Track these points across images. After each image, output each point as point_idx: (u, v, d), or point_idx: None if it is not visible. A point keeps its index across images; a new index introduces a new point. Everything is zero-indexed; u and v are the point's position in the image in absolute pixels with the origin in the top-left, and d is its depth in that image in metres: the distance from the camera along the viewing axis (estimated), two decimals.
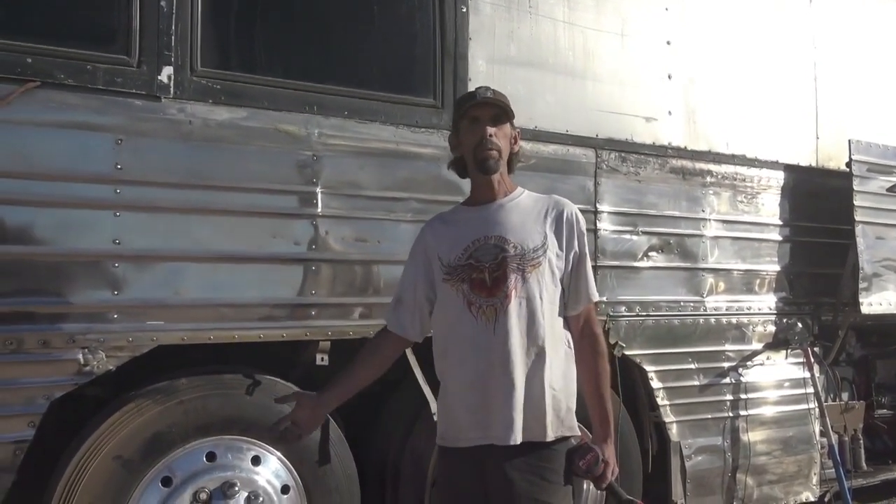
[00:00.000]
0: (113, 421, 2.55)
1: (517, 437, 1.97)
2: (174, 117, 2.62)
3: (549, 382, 2.03)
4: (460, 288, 2.05)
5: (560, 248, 2.09)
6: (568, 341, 2.13)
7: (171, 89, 2.62)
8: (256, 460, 2.73)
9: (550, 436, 2.02)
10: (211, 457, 2.66)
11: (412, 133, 3.06)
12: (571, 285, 2.12)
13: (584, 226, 2.15)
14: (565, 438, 2.07)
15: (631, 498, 2.07)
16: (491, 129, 2.07)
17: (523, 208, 2.13)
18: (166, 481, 2.59)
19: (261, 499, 2.68)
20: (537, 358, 2.02)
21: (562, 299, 2.11)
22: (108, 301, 2.50)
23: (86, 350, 2.46)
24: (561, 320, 2.11)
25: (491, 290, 2.02)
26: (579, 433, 2.13)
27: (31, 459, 2.41)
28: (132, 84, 2.56)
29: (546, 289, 2.05)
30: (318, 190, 2.85)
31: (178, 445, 2.60)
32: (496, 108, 2.08)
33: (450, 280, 2.07)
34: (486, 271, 2.03)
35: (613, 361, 3.48)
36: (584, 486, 3.34)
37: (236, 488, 2.65)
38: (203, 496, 2.62)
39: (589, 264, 2.14)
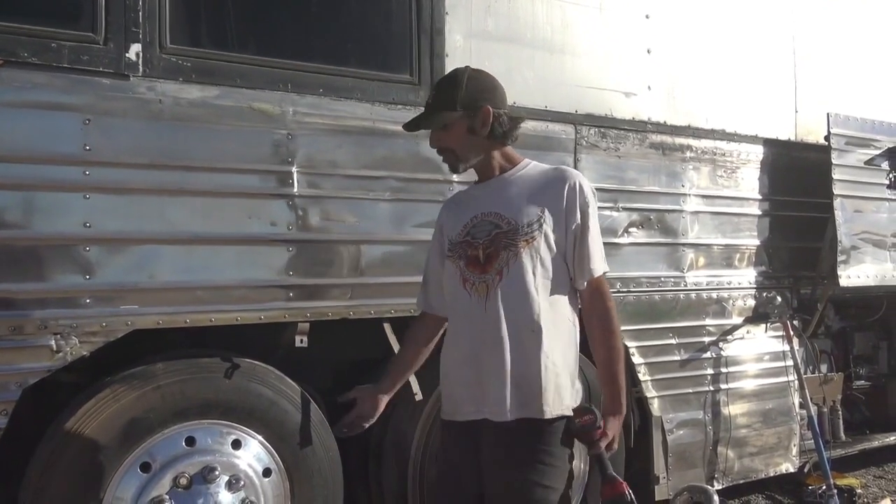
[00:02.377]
0: (89, 407, 2.50)
1: (509, 414, 1.97)
2: (144, 96, 2.56)
3: (546, 359, 1.99)
4: (458, 265, 2.08)
5: (559, 221, 2.02)
6: (574, 317, 2.10)
7: (140, 67, 2.55)
8: (237, 444, 2.70)
9: (548, 414, 1.99)
10: (190, 441, 2.63)
11: (389, 110, 3.01)
12: (575, 259, 2.04)
13: (589, 197, 2.06)
14: (566, 417, 2.03)
15: (615, 475, 2.03)
16: (435, 136, 2.11)
17: (523, 182, 2.09)
18: (145, 467, 2.55)
19: (242, 482, 2.65)
20: (532, 335, 1.99)
21: (567, 273, 2.07)
22: (81, 285, 2.44)
23: (58, 336, 2.41)
24: (564, 296, 2.07)
25: (484, 267, 2.02)
26: (572, 410, 2.07)
27: (5, 448, 2.36)
28: (99, 62, 2.49)
29: (542, 264, 2.01)
30: (294, 169, 2.80)
31: (156, 430, 2.56)
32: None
33: (451, 257, 2.11)
34: (481, 248, 2.04)
35: None
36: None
37: (217, 472, 2.62)
38: (183, 481, 2.58)
39: (595, 236, 2.05)
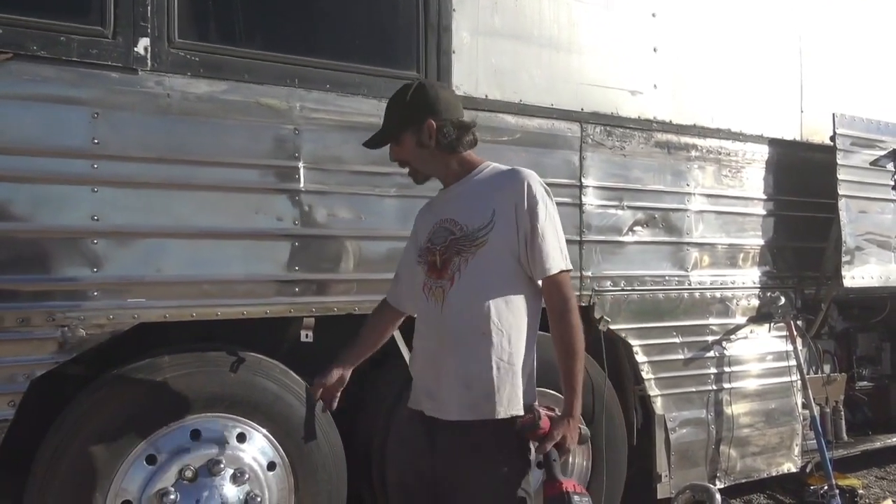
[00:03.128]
0: (95, 399, 2.52)
1: (459, 414, 2.00)
2: (152, 90, 2.57)
3: (498, 361, 2.00)
4: (422, 269, 2.13)
5: (510, 222, 2.02)
6: (533, 319, 2.09)
7: (148, 61, 2.56)
8: (242, 437, 2.71)
9: (501, 414, 1.99)
10: (196, 434, 2.64)
11: None
12: (529, 259, 2.04)
13: (539, 195, 2.04)
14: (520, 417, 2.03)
15: (556, 475, 2.00)
16: (392, 151, 2.18)
17: (476, 187, 2.11)
18: (151, 459, 2.57)
19: (247, 476, 2.66)
20: (483, 337, 2.00)
21: (525, 273, 2.06)
22: (88, 278, 2.46)
23: (66, 328, 2.43)
24: (523, 296, 2.06)
25: (440, 273, 2.07)
26: (521, 412, 2.04)
27: (13, 438, 2.38)
28: (108, 56, 2.50)
29: (495, 267, 2.02)
30: (301, 165, 2.81)
31: (161, 423, 2.58)
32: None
33: (419, 262, 2.17)
34: (438, 253, 2.08)
35: (598, 336, 3.50)
36: (571, 459, 3.35)
37: (222, 465, 2.63)
38: (188, 474, 2.60)
39: (547, 234, 2.02)
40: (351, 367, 2.37)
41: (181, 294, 2.61)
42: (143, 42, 2.55)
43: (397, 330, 2.91)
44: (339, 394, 2.34)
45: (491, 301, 2.01)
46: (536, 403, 2.07)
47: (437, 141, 2.09)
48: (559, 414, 2.05)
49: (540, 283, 2.07)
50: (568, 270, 2.07)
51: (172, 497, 2.55)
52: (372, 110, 2.95)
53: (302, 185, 2.81)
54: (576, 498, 1.99)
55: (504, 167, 2.15)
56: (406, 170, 2.20)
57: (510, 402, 2.01)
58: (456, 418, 2.00)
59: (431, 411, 2.07)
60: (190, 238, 2.62)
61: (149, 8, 2.55)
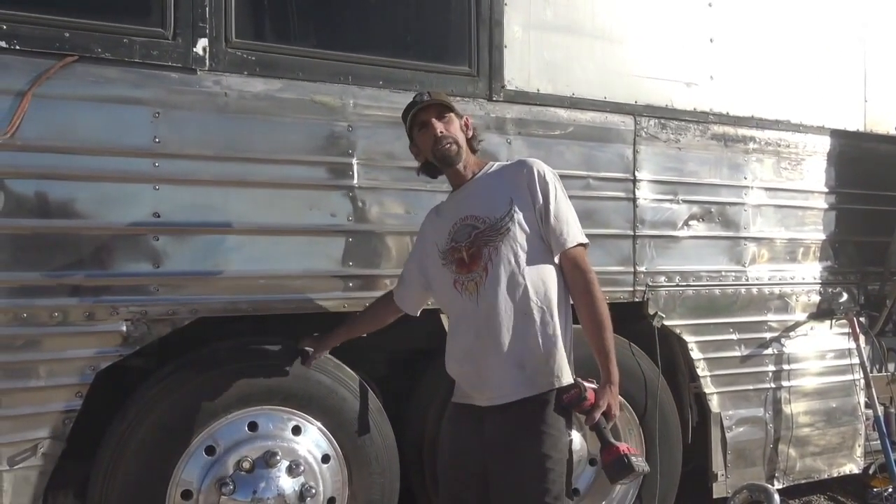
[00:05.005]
0: (157, 391, 2.60)
1: (516, 394, 2.14)
2: (210, 90, 2.62)
3: (544, 336, 2.15)
4: (450, 269, 2.26)
5: (527, 204, 2.20)
6: (565, 290, 2.23)
7: (207, 61, 2.62)
8: (297, 430, 2.76)
9: (556, 384, 2.15)
10: (253, 426, 2.70)
11: None
12: (549, 236, 2.20)
13: (549, 176, 2.23)
14: (561, 388, 2.16)
15: (611, 441, 2.14)
16: (439, 126, 2.28)
17: (489, 181, 2.29)
18: (210, 450, 2.63)
19: (302, 468, 2.71)
20: (524, 317, 2.15)
21: (549, 250, 2.22)
22: (150, 273, 2.53)
23: (129, 322, 2.50)
24: (554, 271, 2.21)
25: (470, 266, 2.20)
26: (572, 380, 2.20)
27: (79, 427, 2.46)
28: (168, 57, 2.56)
29: (522, 250, 2.17)
30: (354, 161, 2.84)
31: (220, 415, 2.64)
32: (437, 107, 2.30)
33: (444, 264, 2.29)
34: (464, 250, 2.22)
35: (652, 332, 3.45)
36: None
37: (278, 457, 2.68)
38: (246, 465, 2.66)
39: (561, 210, 2.21)
40: (333, 342, 2.68)
41: (238, 289, 2.66)
42: (202, 42, 2.60)
43: (444, 316, 2.95)
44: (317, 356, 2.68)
45: (527, 281, 2.16)
46: (577, 378, 2.20)
47: (470, 137, 2.35)
48: (599, 383, 2.17)
49: (557, 259, 2.21)
50: (586, 244, 2.24)
51: (230, 487, 2.61)
52: None
53: (355, 181, 2.84)
54: (633, 459, 2.13)
55: (508, 161, 2.40)
56: (438, 152, 2.31)
57: (562, 372, 2.17)
58: (512, 399, 2.14)
59: (482, 401, 2.21)
60: (247, 234, 2.67)
61: (207, 9, 2.60)
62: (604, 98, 3.34)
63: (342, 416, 2.81)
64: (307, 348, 2.70)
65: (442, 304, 2.43)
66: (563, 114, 3.25)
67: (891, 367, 4.38)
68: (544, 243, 2.20)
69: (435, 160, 2.33)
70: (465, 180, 2.34)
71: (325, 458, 2.79)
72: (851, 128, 4.09)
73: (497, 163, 2.39)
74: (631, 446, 2.22)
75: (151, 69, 2.54)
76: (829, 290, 4.00)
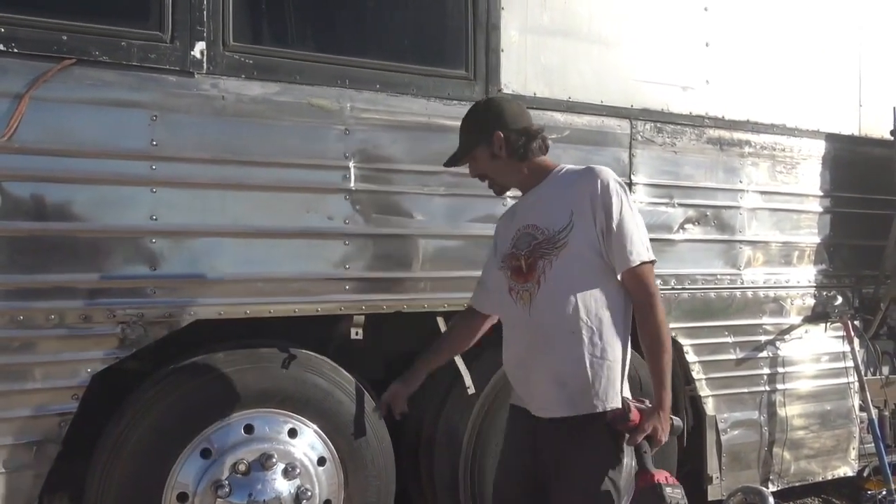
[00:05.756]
0: (153, 394, 2.60)
1: (558, 411, 2.07)
2: (207, 93, 2.63)
3: (591, 357, 2.05)
4: (506, 274, 2.20)
5: (588, 220, 2.07)
6: (622, 311, 2.11)
7: (204, 65, 2.62)
8: (293, 433, 2.76)
9: (598, 407, 2.05)
10: (249, 429, 2.71)
11: (444, 106, 3.02)
12: (610, 254, 2.07)
13: (613, 190, 2.06)
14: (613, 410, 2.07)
15: (648, 467, 2.05)
16: (470, 168, 2.28)
17: (553, 191, 2.18)
18: (206, 453, 2.64)
19: (298, 470, 2.71)
20: (571, 336, 2.06)
21: (610, 268, 2.09)
22: (147, 276, 2.53)
23: (125, 324, 2.50)
24: (610, 291, 2.09)
25: (526, 276, 2.13)
26: (631, 402, 2.09)
27: (74, 430, 2.47)
28: (166, 60, 2.56)
29: (578, 267, 2.07)
30: (351, 164, 2.85)
31: (216, 418, 2.65)
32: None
33: (501, 268, 2.24)
34: (522, 258, 2.15)
35: None
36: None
37: (274, 460, 2.69)
38: (242, 467, 2.66)
39: (623, 228, 2.04)
40: (421, 377, 2.46)
41: (235, 292, 2.67)
42: (200, 46, 2.60)
43: (441, 319, 2.94)
44: (402, 402, 2.44)
45: (578, 300, 2.06)
46: (628, 396, 2.11)
47: (508, 151, 2.18)
48: (650, 406, 2.08)
49: (620, 276, 2.08)
50: (651, 262, 2.09)
51: (226, 490, 2.61)
52: (421, 109, 2.98)
53: (352, 184, 2.84)
54: (668, 490, 2.04)
55: (577, 167, 2.20)
56: (486, 183, 2.29)
57: (607, 396, 2.06)
58: (555, 415, 2.08)
59: (532, 409, 2.16)
60: (244, 237, 2.68)
61: (204, 12, 2.61)
62: (600, 102, 3.35)
63: (338, 419, 2.82)
64: (393, 395, 2.44)
65: (497, 306, 2.34)
66: (559, 117, 3.26)
67: (885, 370, 4.40)
68: (604, 260, 2.08)
69: None
70: (529, 187, 2.25)
71: (322, 461, 2.80)
72: (846, 132, 4.11)
73: (567, 167, 2.22)
74: (670, 474, 2.10)
75: (149, 72, 2.54)
76: (824, 293, 4.02)
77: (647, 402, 2.11)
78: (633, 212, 2.09)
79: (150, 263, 2.53)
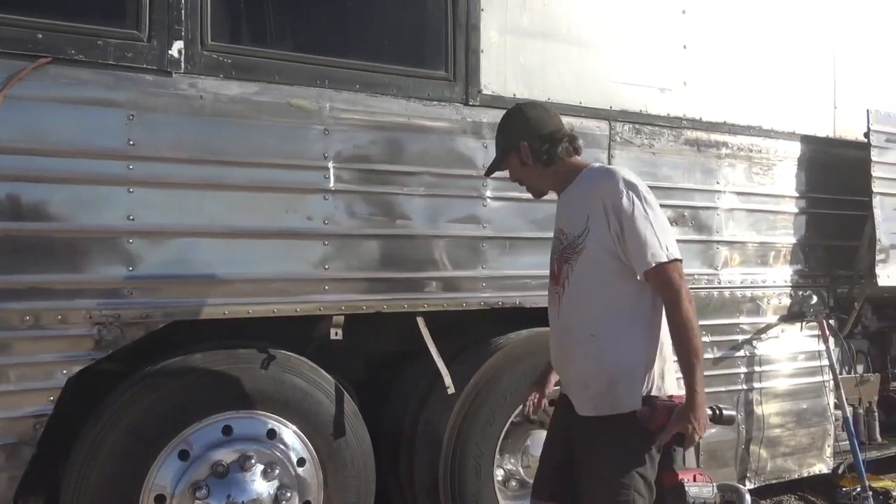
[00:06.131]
0: (130, 396, 2.58)
1: (585, 410, 2.16)
2: (185, 92, 2.61)
3: (609, 360, 2.09)
4: (549, 275, 2.31)
5: (601, 226, 2.08)
6: (653, 308, 2.11)
7: (182, 64, 2.61)
8: (272, 433, 2.75)
9: (619, 409, 2.08)
10: (227, 430, 2.69)
11: (424, 106, 3.03)
12: (628, 256, 2.07)
13: (624, 191, 2.06)
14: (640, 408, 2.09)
15: (675, 467, 2.09)
16: (510, 175, 2.35)
17: (574, 195, 2.23)
18: (184, 454, 2.62)
19: (277, 471, 2.71)
20: (591, 339, 2.12)
21: (629, 270, 2.08)
22: (124, 277, 2.51)
23: (102, 325, 2.48)
24: (631, 294, 2.09)
25: (556, 279, 2.23)
26: (659, 401, 2.09)
27: (50, 432, 2.44)
28: (143, 59, 2.55)
29: (596, 270, 2.10)
30: (331, 164, 2.84)
31: (194, 419, 2.63)
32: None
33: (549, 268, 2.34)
34: (555, 262, 2.26)
35: None
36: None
37: (253, 461, 2.68)
38: (220, 469, 2.65)
39: (636, 229, 2.03)
40: (550, 385, 2.53)
41: (214, 292, 2.65)
42: (177, 45, 2.59)
43: (421, 319, 2.96)
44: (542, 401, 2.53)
45: (596, 304, 2.12)
46: (659, 394, 2.10)
47: (535, 158, 2.24)
48: (681, 405, 2.04)
49: (640, 277, 2.06)
50: (673, 261, 2.05)
51: (204, 491, 2.60)
52: (401, 110, 2.98)
53: (332, 184, 2.84)
54: (692, 489, 2.05)
55: (600, 167, 2.25)
56: (524, 186, 2.37)
57: (628, 398, 2.07)
58: (584, 414, 2.16)
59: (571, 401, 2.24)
60: (222, 237, 2.66)
61: (182, 11, 2.59)
62: (579, 103, 3.38)
63: (318, 420, 2.82)
64: (531, 400, 2.51)
65: None
66: None
67: (859, 368, 4.47)
68: (622, 263, 2.08)
69: None
70: (563, 188, 2.28)
71: (301, 462, 2.79)
72: (821, 134, 4.16)
73: (589, 168, 2.23)
74: (700, 471, 2.12)
75: (126, 71, 2.52)
76: (800, 293, 4.07)
77: (677, 401, 2.08)
78: (648, 213, 2.06)
79: (127, 264, 2.52)
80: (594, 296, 2.12)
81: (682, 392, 2.05)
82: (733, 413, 2.22)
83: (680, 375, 2.07)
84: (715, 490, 2.10)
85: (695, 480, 2.07)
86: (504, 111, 3.06)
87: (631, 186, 2.08)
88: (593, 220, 2.10)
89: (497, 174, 2.43)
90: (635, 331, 2.10)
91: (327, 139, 2.84)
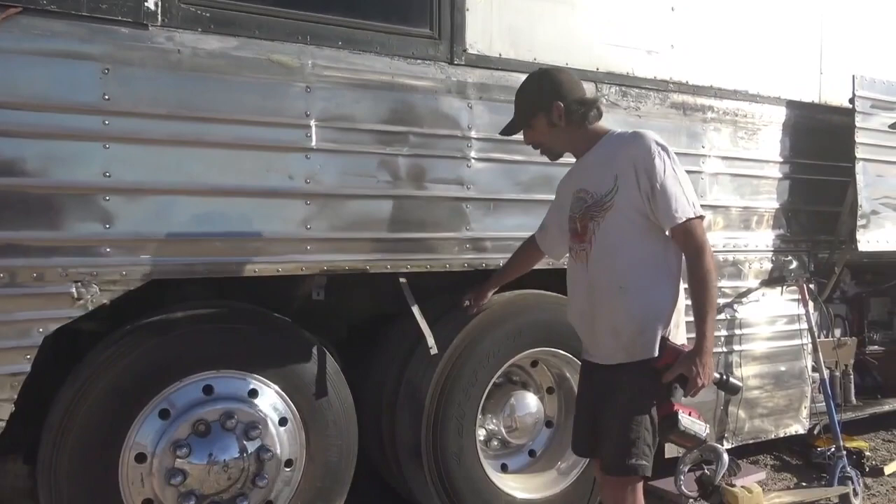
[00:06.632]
0: (109, 355, 2.56)
1: (614, 359, 2.33)
2: (162, 46, 2.54)
3: (639, 310, 2.26)
4: (567, 235, 2.46)
5: (631, 183, 2.24)
6: (670, 266, 2.30)
7: (159, 17, 2.53)
8: (254, 393, 2.75)
9: (647, 354, 2.26)
10: (208, 389, 2.68)
11: (408, 65, 2.98)
12: (657, 213, 2.24)
13: (654, 151, 2.23)
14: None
15: (671, 400, 2.23)
16: (526, 136, 2.49)
17: (600, 156, 2.36)
18: (164, 413, 2.61)
19: (258, 430, 2.71)
20: (621, 291, 2.27)
21: (655, 226, 2.26)
22: (100, 234, 2.47)
23: (79, 284, 2.45)
24: (657, 249, 2.28)
25: (581, 237, 2.36)
26: (669, 343, 2.28)
27: (27, 393, 2.42)
28: (118, 11, 2.47)
29: (625, 227, 2.26)
30: (312, 123, 2.79)
31: (175, 378, 2.62)
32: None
33: (567, 229, 2.47)
34: (577, 220, 2.38)
35: None
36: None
37: (234, 420, 2.67)
38: (201, 427, 2.65)
39: (666, 187, 2.20)
40: (493, 287, 2.98)
41: (193, 251, 2.61)
42: None
43: (403, 280, 2.96)
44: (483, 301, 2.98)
45: (624, 258, 2.27)
46: (669, 337, 2.29)
47: (567, 119, 2.37)
48: (689, 350, 2.24)
49: (667, 232, 2.26)
50: (698, 217, 2.25)
51: (186, 450, 2.60)
52: (385, 68, 2.93)
53: (314, 143, 2.79)
54: (685, 420, 2.21)
55: (625, 132, 2.38)
56: (538, 150, 2.51)
57: (656, 343, 2.27)
58: (612, 362, 2.33)
59: (594, 359, 2.42)
60: (201, 195, 2.62)
61: None
62: (565, 64, 3.31)
63: (300, 380, 2.81)
64: (467, 301, 2.98)
65: (551, 247, 2.71)
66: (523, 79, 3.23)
67: (837, 332, 4.53)
68: (648, 220, 2.25)
69: None
70: (583, 151, 2.42)
71: (283, 421, 2.79)
72: (807, 99, 4.16)
73: (615, 133, 2.40)
74: (699, 413, 2.28)
75: (100, 23, 2.45)
76: (781, 257, 4.09)
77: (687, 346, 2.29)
78: (677, 172, 2.24)
79: (104, 221, 2.47)
80: (623, 250, 2.27)
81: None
82: (739, 384, 2.43)
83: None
84: (707, 430, 2.27)
85: (689, 416, 2.23)
86: (488, 71, 3.09)
87: (663, 148, 2.26)
88: (622, 180, 2.25)
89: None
90: (660, 283, 2.29)
91: (309, 97, 2.79)
